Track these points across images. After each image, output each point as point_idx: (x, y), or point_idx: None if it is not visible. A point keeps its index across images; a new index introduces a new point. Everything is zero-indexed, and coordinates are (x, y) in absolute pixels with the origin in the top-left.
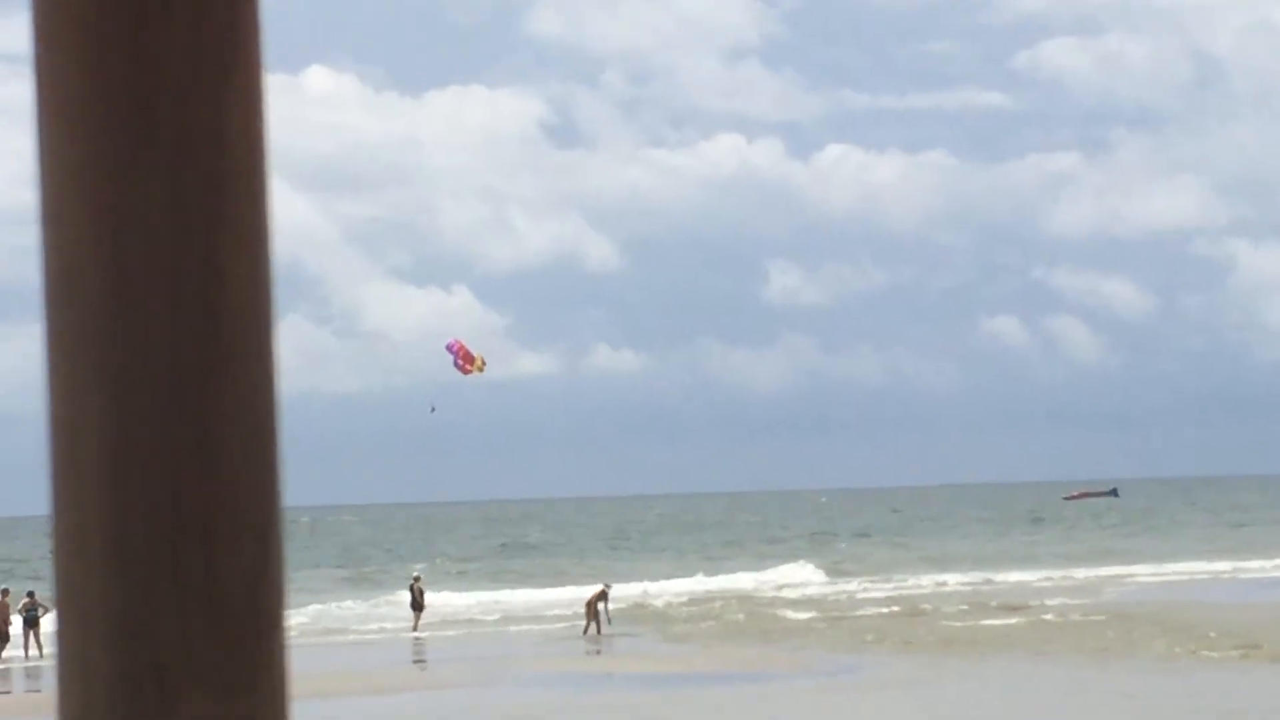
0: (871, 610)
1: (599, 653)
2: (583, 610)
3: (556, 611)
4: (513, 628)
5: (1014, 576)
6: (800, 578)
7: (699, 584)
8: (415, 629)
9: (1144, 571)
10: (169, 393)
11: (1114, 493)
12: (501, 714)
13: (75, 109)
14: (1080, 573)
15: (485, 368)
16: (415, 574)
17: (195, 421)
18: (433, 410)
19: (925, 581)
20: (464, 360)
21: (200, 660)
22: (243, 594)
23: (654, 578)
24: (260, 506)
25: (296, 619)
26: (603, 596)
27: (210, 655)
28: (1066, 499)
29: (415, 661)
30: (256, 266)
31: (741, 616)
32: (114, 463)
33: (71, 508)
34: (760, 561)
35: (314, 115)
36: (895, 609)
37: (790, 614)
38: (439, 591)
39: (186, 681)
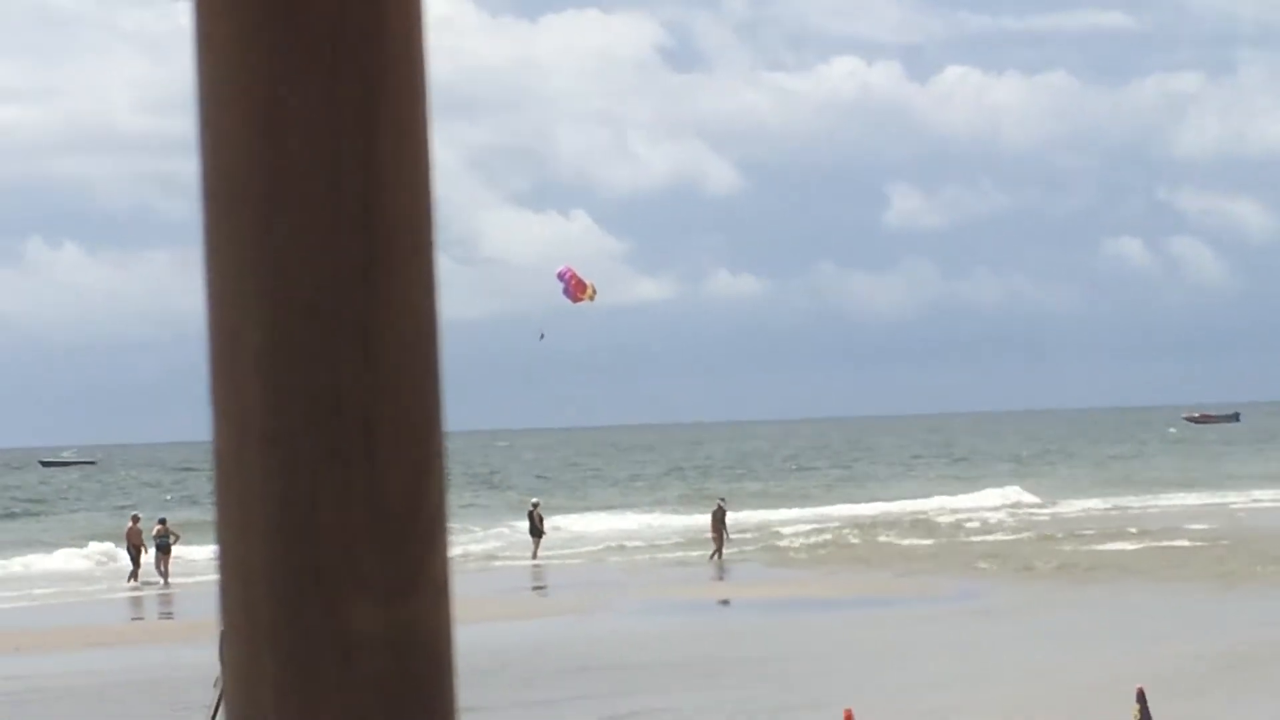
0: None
1: (721, 579)
2: (709, 534)
3: (682, 538)
4: (638, 555)
5: (1137, 501)
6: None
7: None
8: (535, 556)
9: (1267, 496)
10: (328, 290)
11: (1236, 417)
12: (621, 639)
13: (231, 10)
14: (1198, 498)
15: (596, 296)
16: (534, 501)
17: (355, 320)
18: (541, 337)
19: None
20: (575, 288)
21: (361, 563)
22: (404, 496)
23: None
24: (421, 407)
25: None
26: (721, 515)
27: (371, 558)
28: (1188, 419)
29: (535, 588)
30: (415, 165)
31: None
32: (273, 361)
33: (230, 408)
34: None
35: (431, 39)
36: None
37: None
38: (568, 516)
39: (347, 584)
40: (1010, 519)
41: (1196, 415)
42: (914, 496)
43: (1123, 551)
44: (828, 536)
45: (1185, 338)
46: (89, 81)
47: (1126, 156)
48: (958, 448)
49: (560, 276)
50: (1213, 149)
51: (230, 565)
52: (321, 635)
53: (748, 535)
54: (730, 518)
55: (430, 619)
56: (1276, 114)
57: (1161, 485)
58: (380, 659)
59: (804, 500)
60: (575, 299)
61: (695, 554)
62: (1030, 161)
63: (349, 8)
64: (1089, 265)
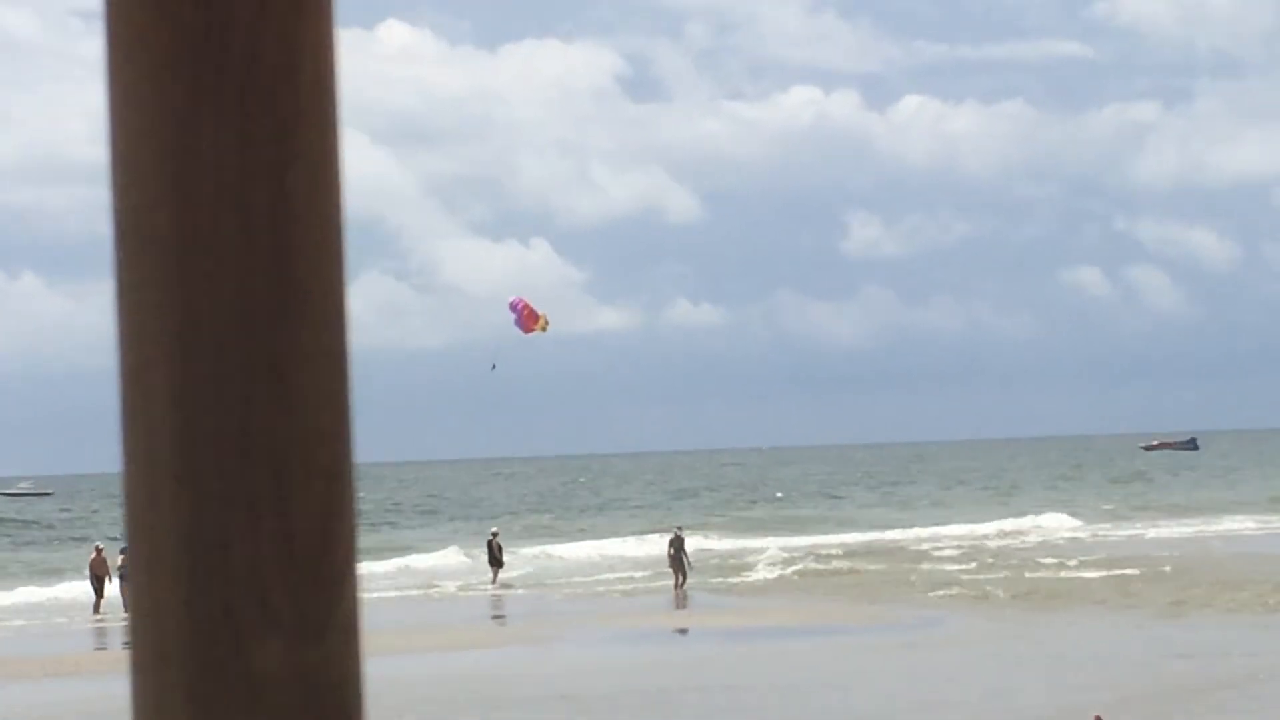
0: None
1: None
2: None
3: (644, 567)
4: (597, 582)
5: (1097, 528)
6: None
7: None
8: (494, 583)
9: (1219, 524)
10: (238, 332)
11: (1193, 443)
12: (578, 669)
13: (145, 49)
14: (1159, 526)
15: (549, 326)
16: (493, 530)
17: (265, 360)
18: (494, 368)
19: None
20: (527, 319)
21: (271, 604)
22: (314, 536)
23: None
24: (332, 446)
25: (375, 569)
26: (679, 544)
27: (282, 599)
28: (1145, 449)
29: (494, 617)
30: (327, 206)
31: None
32: (183, 404)
33: (141, 449)
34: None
35: (390, 70)
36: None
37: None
38: (524, 548)
39: (258, 624)
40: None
41: (1154, 443)
42: (909, 525)
43: (1090, 579)
44: (813, 564)
45: (1143, 366)
46: (45, 110)
47: (1084, 186)
48: (945, 475)
49: (512, 307)
50: (1171, 178)
51: (141, 604)
52: (231, 675)
53: (712, 563)
54: (693, 545)
55: (340, 660)
56: (1234, 144)
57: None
58: (289, 699)
59: (786, 527)
60: (527, 329)
61: (658, 584)
62: (989, 190)
63: (262, 46)
64: (1047, 294)
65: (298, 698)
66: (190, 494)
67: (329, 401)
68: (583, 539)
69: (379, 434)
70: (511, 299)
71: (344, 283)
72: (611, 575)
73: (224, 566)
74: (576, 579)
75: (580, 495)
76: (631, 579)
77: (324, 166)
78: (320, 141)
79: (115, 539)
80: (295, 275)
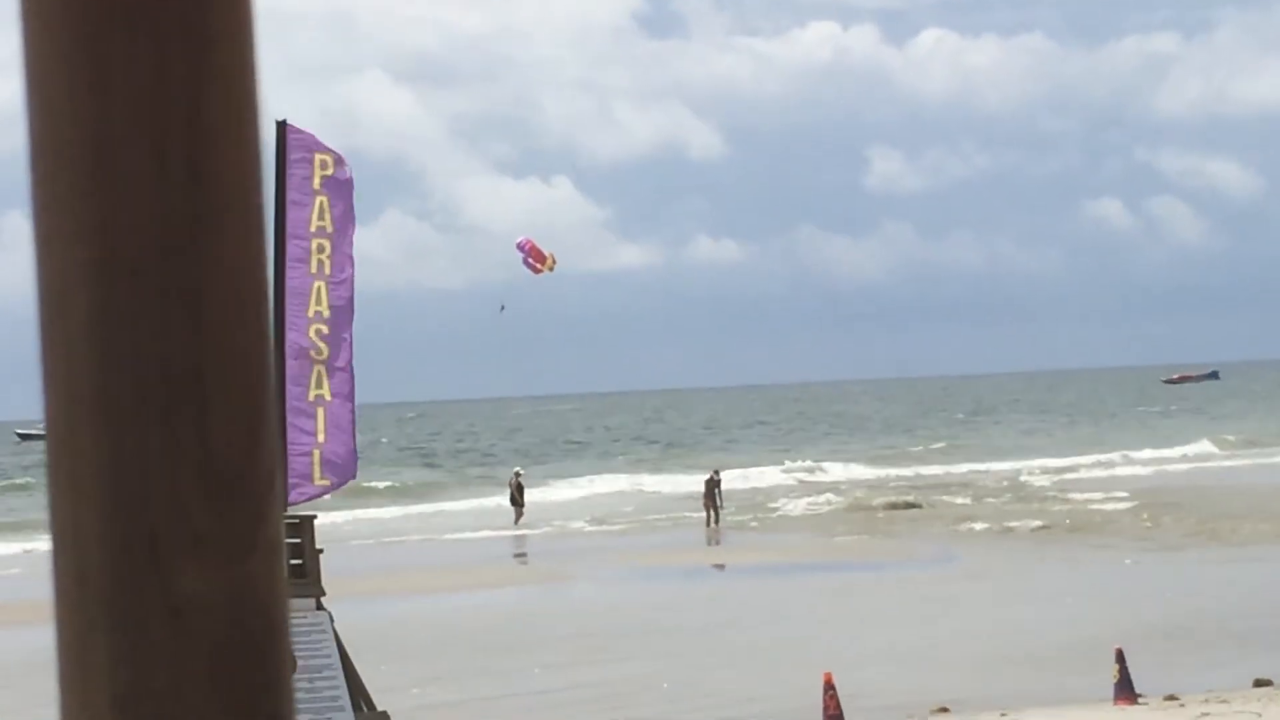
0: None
1: (718, 543)
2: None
3: (675, 504)
4: (627, 522)
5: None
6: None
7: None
8: (516, 524)
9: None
10: (154, 250)
11: (1214, 375)
12: (601, 607)
13: None
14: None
15: (556, 266)
16: (516, 470)
17: (182, 283)
18: (502, 309)
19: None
20: (534, 259)
21: (193, 526)
22: (235, 458)
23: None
24: (251, 369)
25: (396, 513)
26: (713, 485)
27: (204, 521)
28: (1166, 382)
29: (517, 556)
30: (243, 126)
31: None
32: (101, 323)
33: (60, 374)
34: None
35: (407, 9)
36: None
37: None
38: (556, 483)
39: (180, 547)
40: None
41: (1175, 377)
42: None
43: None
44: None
45: (1165, 298)
46: None
47: (1105, 118)
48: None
49: (519, 247)
50: (1193, 109)
51: (62, 532)
52: (154, 599)
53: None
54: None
55: (264, 580)
56: (1257, 74)
57: None
58: (214, 621)
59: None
60: (535, 270)
61: (691, 517)
62: (1010, 123)
63: None
64: (1069, 227)
65: (222, 619)
66: (109, 418)
67: (247, 322)
68: (605, 475)
69: (397, 373)
70: (518, 239)
71: (260, 205)
72: (642, 510)
73: (144, 489)
74: (598, 516)
75: (659, 430)
76: (661, 516)
77: (240, 87)
78: (236, 63)
79: None
80: (210, 197)
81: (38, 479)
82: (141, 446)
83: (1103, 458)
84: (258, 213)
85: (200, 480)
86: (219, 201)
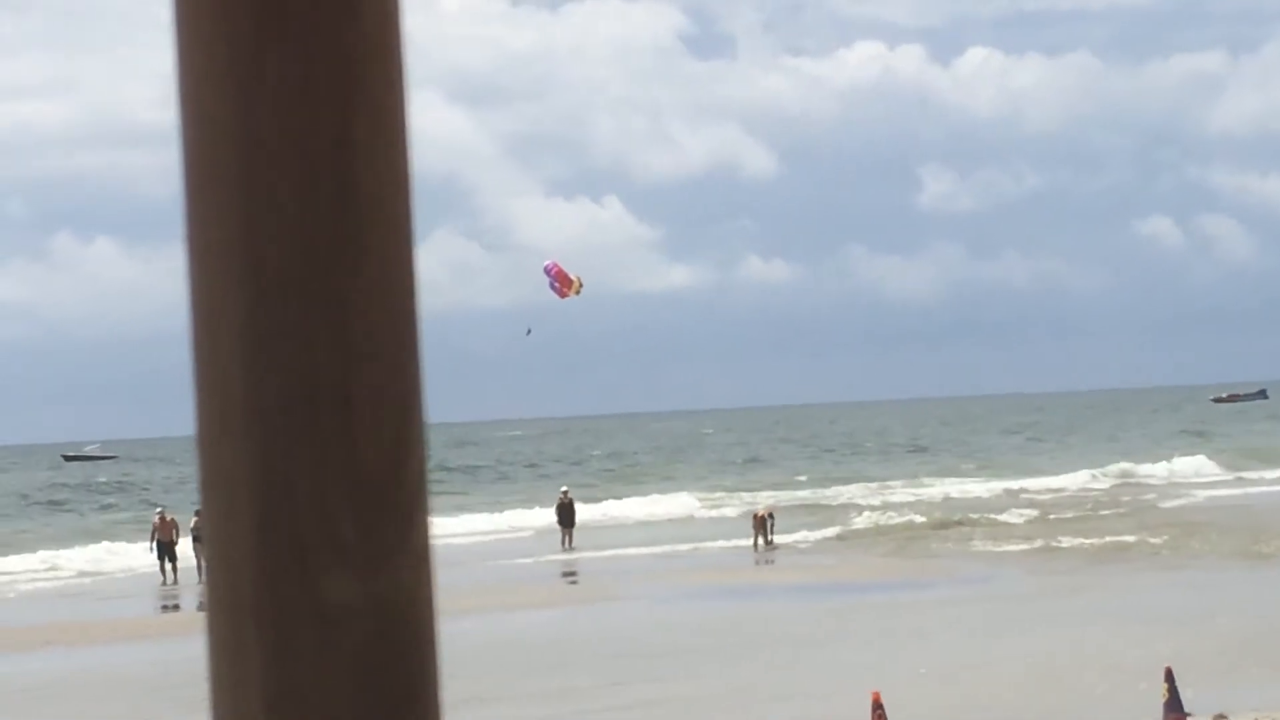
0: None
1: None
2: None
3: (725, 526)
4: (678, 543)
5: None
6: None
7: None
8: (567, 544)
9: None
10: (302, 264)
11: (1263, 394)
12: (651, 626)
13: None
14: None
15: (583, 289)
16: (564, 489)
17: (332, 298)
18: (529, 333)
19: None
20: (561, 283)
21: (341, 534)
22: (384, 469)
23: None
24: (399, 383)
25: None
26: (768, 518)
27: (351, 529)
28: (1215, 401)
29: (566, 575)
30: (392, 144)
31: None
32: (250, 341)
33: (211, 392)
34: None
35: (455, 30)
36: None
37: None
38: (605, 503)
39: (328, 559)
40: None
41: (1224, 396)
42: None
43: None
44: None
45: (1215, 316)
46: (114, 72)
47: (1155, 136)
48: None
49: (546, 271)
50: (1244, 127)
51: (214, 542)
52: (302, 607)
53: (813, 518)
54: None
55: (411, 589)
56: None
57: None
58: (361, 629)
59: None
60: (562, 294)
61: (742, 544)
62: (1058, 142)
63: None
64: (1119, 245)
65: (369, 627)
66: (257, 427)
67: (396, 337)
68: (654, 496)
69: (446, 393)
70: (545, 263)
71: (409, 220)
72: (691, 530)
73: (292, 502)
74: (648, 536)
75: (715, 448)
76: (711, 537)
77: (388, 106)
78: (384, 82)
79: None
80: (359, 213)
81: (77, 497)
82: (289, 460)
83: (1149, 475)
84: (406, 228)
85: (348, 490)
86: (368, 220)
